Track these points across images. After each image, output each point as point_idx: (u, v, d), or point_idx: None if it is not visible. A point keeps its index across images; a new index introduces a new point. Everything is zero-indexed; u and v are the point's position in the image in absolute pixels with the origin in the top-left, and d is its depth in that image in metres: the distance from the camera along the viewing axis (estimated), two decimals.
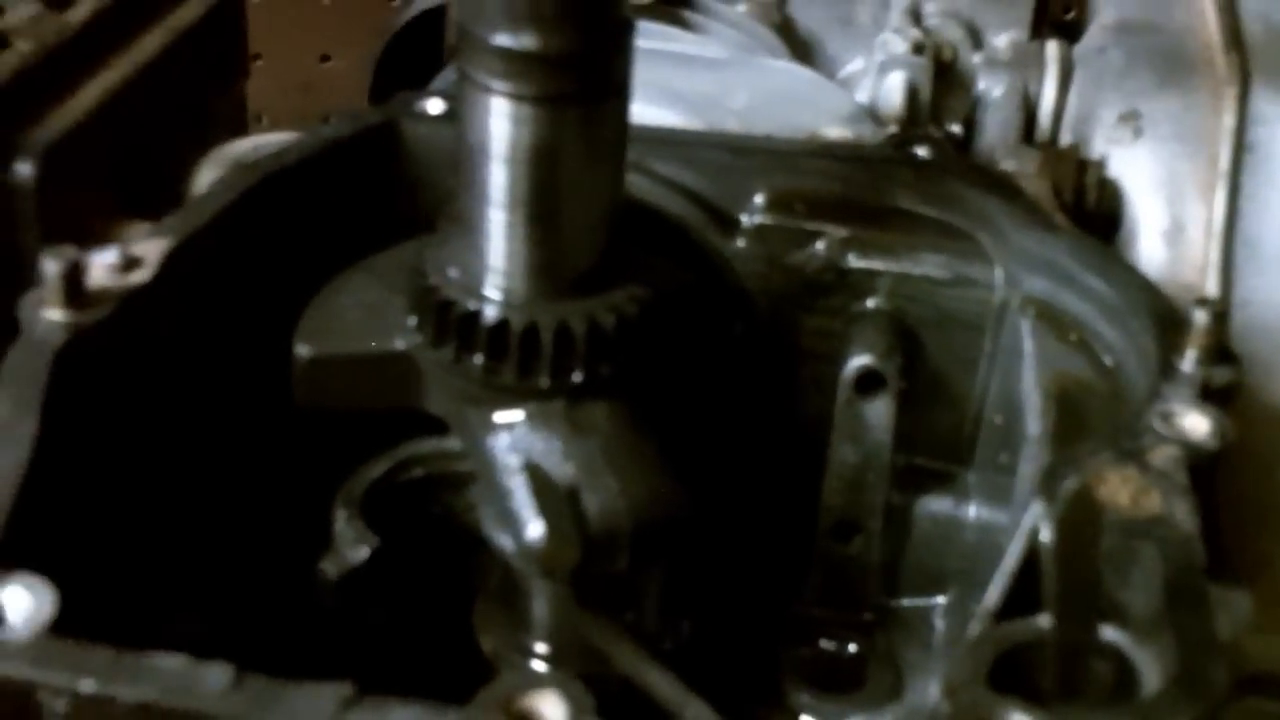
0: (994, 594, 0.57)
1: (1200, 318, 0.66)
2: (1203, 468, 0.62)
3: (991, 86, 0.90)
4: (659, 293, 0.72)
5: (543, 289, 0.69)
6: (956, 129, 0.88)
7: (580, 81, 0.66)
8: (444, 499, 0.76)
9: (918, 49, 0.88)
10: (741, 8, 0.96)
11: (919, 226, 0.81)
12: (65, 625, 0.55)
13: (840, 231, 0.82)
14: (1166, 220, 0.83)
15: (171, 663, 0.53)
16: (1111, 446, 0.61)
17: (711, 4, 0.94)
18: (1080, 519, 0.52)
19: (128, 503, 0.69)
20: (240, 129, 1.18)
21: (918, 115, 0.88)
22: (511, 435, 0.70)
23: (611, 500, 0.68)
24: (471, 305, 0.69)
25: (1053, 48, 0.91)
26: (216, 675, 0.53)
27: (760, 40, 0.93)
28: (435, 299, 0.69)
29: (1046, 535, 0.58)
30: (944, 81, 0.90)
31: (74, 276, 0.69)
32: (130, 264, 0.72)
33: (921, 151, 0.82)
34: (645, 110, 0.87)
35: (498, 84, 0.65)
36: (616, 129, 0.69)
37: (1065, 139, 0.88)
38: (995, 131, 0.89)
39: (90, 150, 0.97)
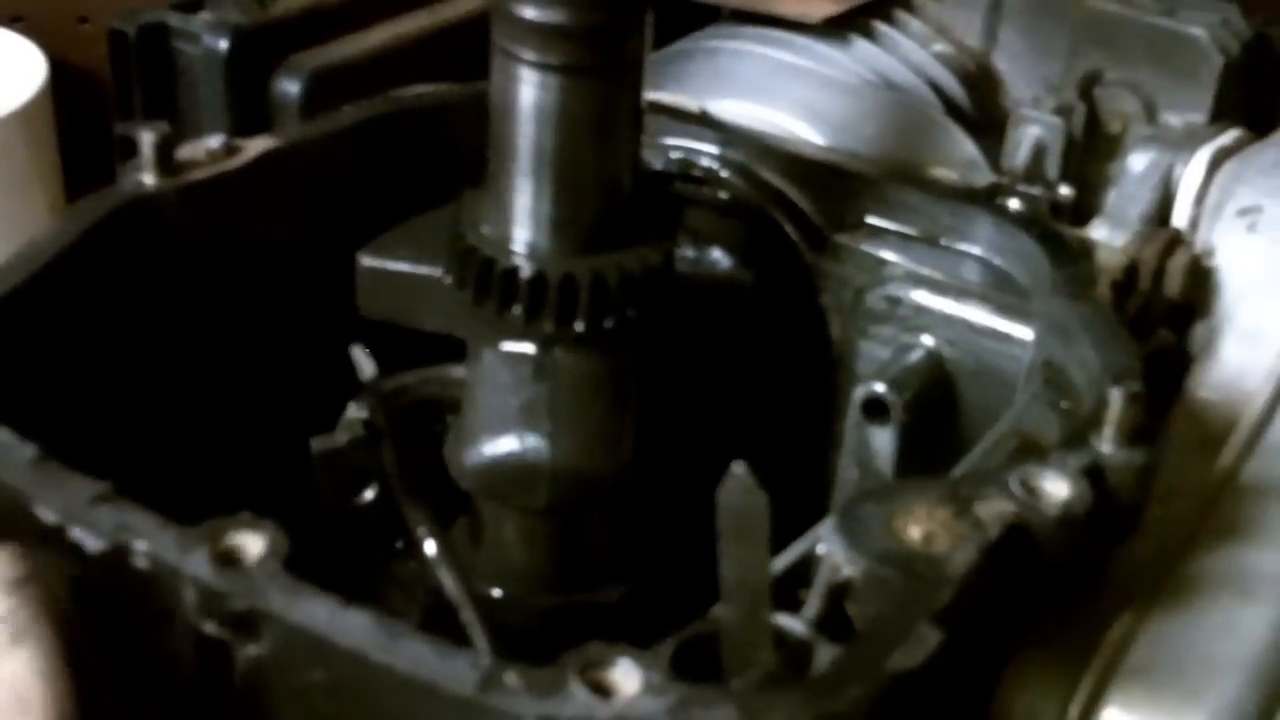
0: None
1: (1115, 398, 0.63)
2: (1042, 534, 0.60)
3: (1138, 161, 0.87)
4: (669, 257, 0.76)
5: (557, 244, 0.75)
6: (1066, 191, 0.86)
7: (597, 54, 0.71)
8: (445, 420, 0.82)
9: (1059, 110, 0.86)
10: (939, 46, 0.97)
11: (979, 274, 0.81)
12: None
13: (907, 264, 0.83)
14: (1249, 321, 0.78)
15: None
16: (952, 488, 0.61)
17: (899, 34, 0.96)
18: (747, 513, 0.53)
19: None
20: None
21: (1038, 172, 0.86)
22: (484, 367, 0.76)
23: (537, 440, 0.73)
24: (488, 252, 0.75)
25: (1227, 136, 0.87)
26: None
27: (934, 79, 0.94)
28: (460, 246, 0.76)
29: (823, 548, 0.59)
30: (1090, 148, 0.88)
31: (166, 148, 0.80)
32: (231, 151, 0.83)
33: (1013, 204, 0.82)
34: (785, 123, 0.91)
35: (523, 53, 0.71)
36: (631, 100, 0.74)
37: (1200, 227, 0.84)
38: (1122, 204, 0.86)
39: (348, 89, 1.09)
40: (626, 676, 0.51)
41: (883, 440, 0.79)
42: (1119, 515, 0.64)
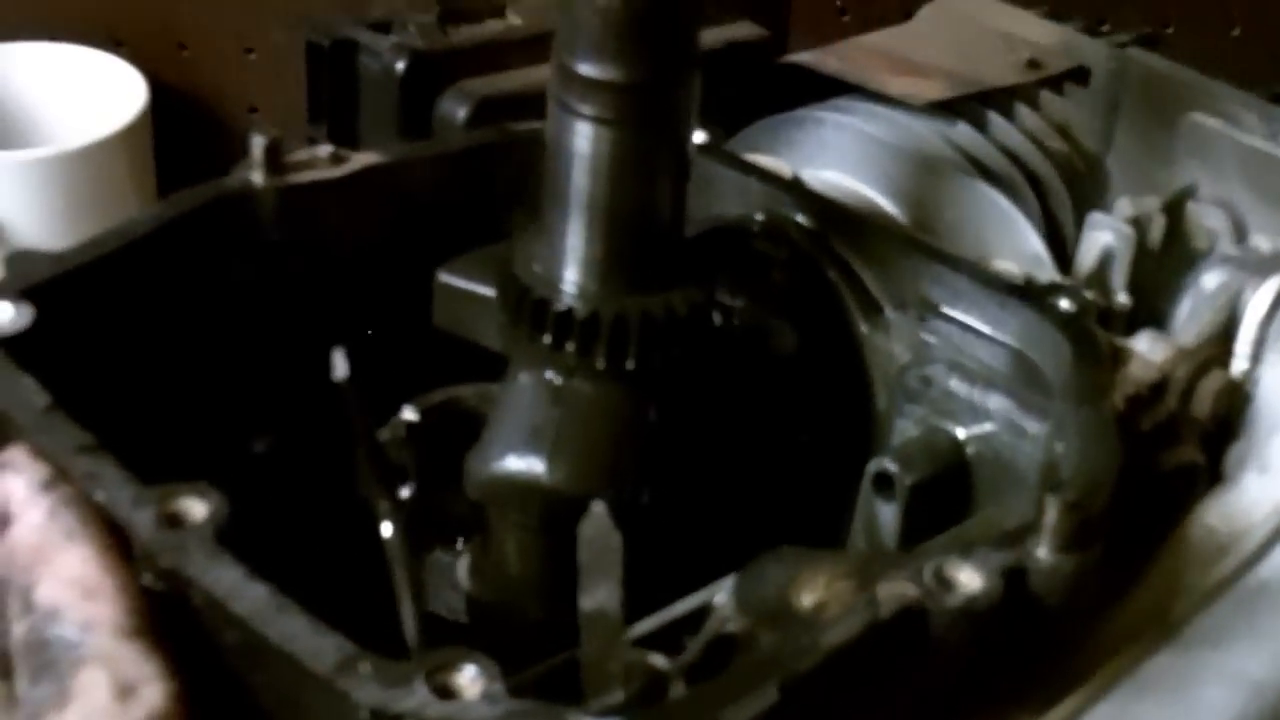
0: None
1: (1051, 505, 0.65)
2: (940, 622, 0.62)
3: (1210, 280, 0.86)
4: (696, 306, 0.80)
5: (589, 283, 0.79)
6: (1123, 299, 0.86)
7: (642, 109, 0.76)
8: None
9: (1134, 220, 0.86)
10: (1052, 142, 0.97)
11: (1013, 367, 0.82)
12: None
13: (946, 349, 0.84)
14: (1275, 455, 0.78)
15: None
16: (863, 564, 0.63)
17: (1010, 125, 0.97)
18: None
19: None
20: None
21: (1101, 278, 0.86)
22: (513, 387, 0.81)
23: (539, 461, 0.78)
24: (526, 283, 0.79)
25: None
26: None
27: (1036, 172, 0.95)
28: (507, 276, 0.81)
29: (720, 599, 0.62)
30: (1167, 260, 0.88)
31: (275, 151, 0.87)
32: (336, 160, 0.90)
33: (1063, 304, 0.82)
34: (871, 197, 0.93)
35: (574, 104, 0.76)
36: (677, 153, 0.78)
37: (1260, 354, 0.84)
38: (1185, 320, 0.85)
39: (510, 117, 1.16)
40: (471, 683, 0.55)
41: (888, 515, 0.81)
42: (1040, 617, 0.65)
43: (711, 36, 1.30)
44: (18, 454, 0.66)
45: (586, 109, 0.76)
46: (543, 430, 0.79)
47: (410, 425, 0.85)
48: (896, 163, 0.93)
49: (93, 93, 1.46)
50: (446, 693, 0.55)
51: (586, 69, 0.75)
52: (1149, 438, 0.78)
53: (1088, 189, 0.96)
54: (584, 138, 0.77)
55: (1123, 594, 0.74)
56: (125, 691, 0.58)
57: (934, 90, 0.96)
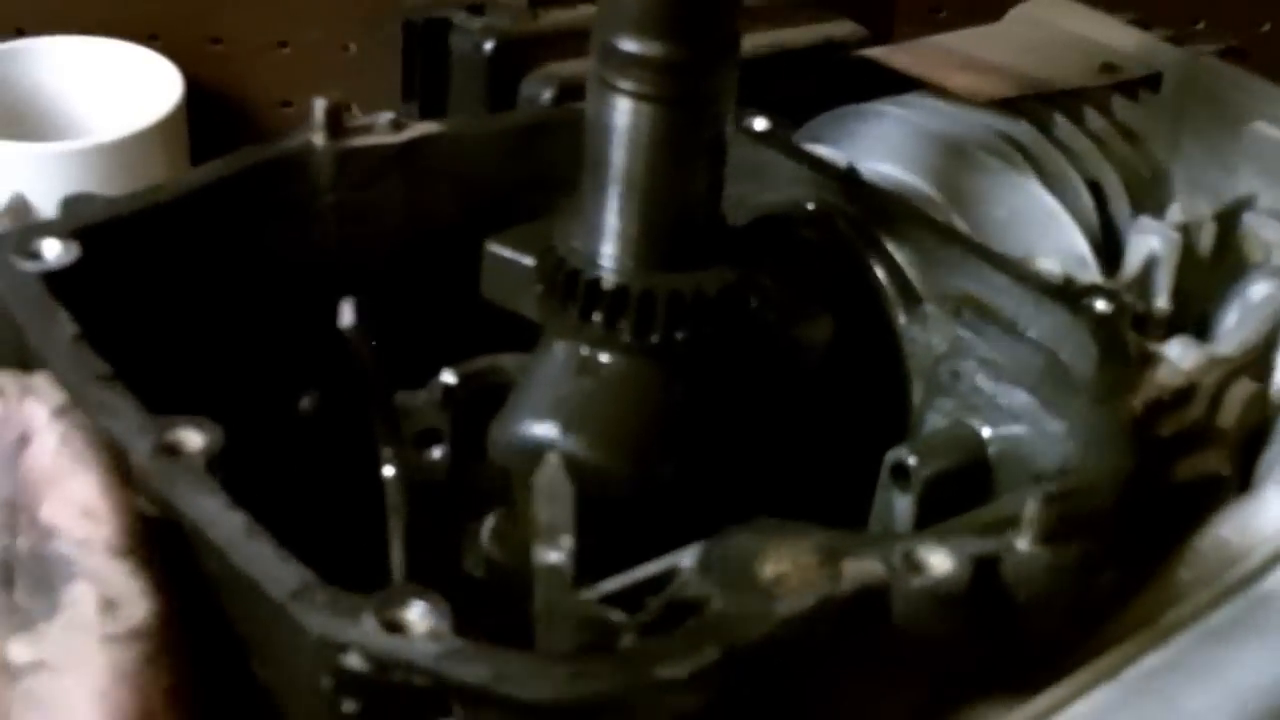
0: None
1: (1033, 497, 0.64)
2: (905, 605, 0.62)
3: (1257, 290, 0.85)
4: (727, 287, 0.80)
5: (623, 258, 0.81)
6: (1162, 304, 0.85)
7: (680, 86, 0.77)
8: None
9: (1182, 228, 0.85)
10: (1118, 146, 0.96)
11: (1043, 365, 0.82)
12: None
13: (978, 343, 0.84)
14: None
15: None
16: (831, 541, 0.64)
17: (1074, 126, 0.96)
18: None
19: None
20: None
21: (1143, 282, 0.85)
22: (542, 357, 0.83)
23: (557, 430, 0.79)
24: (561, 254, 0.81)
25: None
26: None
27: (1096, 176, 0.94)
28: (546, 248, 0.83)
29: (685, 561, 0.63)
30: (1217, 269, 0.87)
31: (336, 114, 0.90)
32: (397, 128, 0.92)
33: (1099, 305, 0.82)
34: (924, 191, 0.94)
35: (614, 80, 0.77)
36: (714, 133, 0.79)
37: None
38: (1228, 328, 0.84)
39: None
40: (419, 620, 0.57)
41: (903, 505, 0.81)
42: (1012, 608, 0.65)
43: (810, 34, 1.32)
44: (42, 380, 0.69)
45: (625, 84, 0.77)
46: (566, 399, 0.80)
47: (447, 388, 0.87)
48: (951, 158, 0.93)
49: (128, 86, 1.48)
50: (394, 627, 0.57)
51: (627, 45, 0.77)
52: (1170, 444, 0.78)
53: (1150, 194, 0.94)
54: (622, 113, 0.78)
55: (1126, 599, 0.74)
56: (110, 605, 0.61)
57: (996, 88, 0.96)
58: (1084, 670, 0.69)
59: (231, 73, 1.49)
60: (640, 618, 0.61)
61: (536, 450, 0.81)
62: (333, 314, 0.91)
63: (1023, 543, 0.65)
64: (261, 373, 0.86)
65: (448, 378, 0.89)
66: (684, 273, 0.81)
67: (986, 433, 0.82)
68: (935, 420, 0.85)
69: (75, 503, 0.64)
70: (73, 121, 1.55)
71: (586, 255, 0.81)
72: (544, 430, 0.81)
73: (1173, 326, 0.86)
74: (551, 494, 0.57)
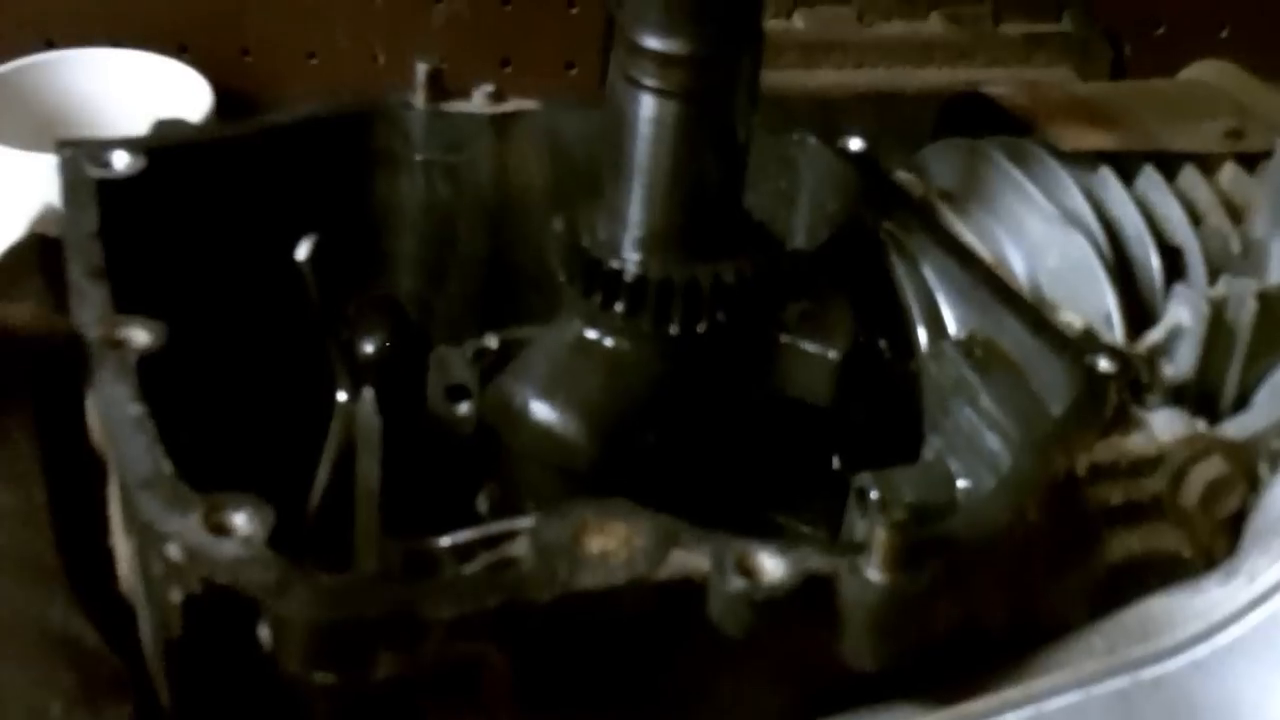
0: None
1: (877, 527, 0.64)
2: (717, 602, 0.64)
3: None
4: (729, 284, 0.83)
5: (635, 247, 0.85)
6: (1170, 372, 0.81)
7: (703, 83, 0.80)
8: None
9: (1217, 302, 0.82)
10: (1213, 216, 0.92)
11: (1029, 416, 0.81)
12: None
13: (978, 386, 0.83)
14: (1250, 562, 0.73)
15: None
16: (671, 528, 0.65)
17: (1168, 187, 0.93)
18: None
19: None
20: None
21: (1161, 349, 0.82)
22: (549, 332, 0.87)
23: (542, 399, 0.84)
24: (572, 239, 0.86)
25: None
26: None
27: (1178, 242, 0.91)
28: (564, 230, 0.88)
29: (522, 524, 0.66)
30: (1257, 346, 0.83)
31: (437, 77, 0.96)
32: (495, 99, 0.97)
33: (1103, 364, 0.80)
34: (990, 230, 0.93)
35: (636, 75, 0.81)
36: (733, 128, 0.82)
37: None
38: (1257, 409, 0.80)
39: None
40: (242, 524, 0.62)
41: (861, 531, 0.82)
42: (836, 628, 0.65)
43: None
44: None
45: (647, 80, 0.81)
46: (561, 375, 0.85)
47: (479, 349, 0.92)
48: (1020, 200, 0.92)
49: (159, 97, 1.48)
50: (219, 529, 0.62)
51: (649, 42, 0.80)
52: (1116, 512, 0.75)
53: (1237, 267, 0.90)
54: (644, 108, 0.82)
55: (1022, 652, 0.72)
56: None
57: (1103, 141, 0.94)
58: (942, 712, 0.69)
59: (260, 83, 1.51)
60: (464, 562, 0.64)
61: (517, 414, 0.86)
62: (405, 264, 0.99)
63: (869, 568, 0.65)
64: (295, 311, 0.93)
65: (490, 341, 0.94)
66: (703, 263, 0.84)
67: (959, 474, 0.82)
68: (926, 454, 0.85)
69: None
70: (102, 133, 1.56)
71: (600, 245, 0.85)
72: (529, 397, 0.85)
73: (1203, 400, 0.83)
74: (363, 426, 0.62)
